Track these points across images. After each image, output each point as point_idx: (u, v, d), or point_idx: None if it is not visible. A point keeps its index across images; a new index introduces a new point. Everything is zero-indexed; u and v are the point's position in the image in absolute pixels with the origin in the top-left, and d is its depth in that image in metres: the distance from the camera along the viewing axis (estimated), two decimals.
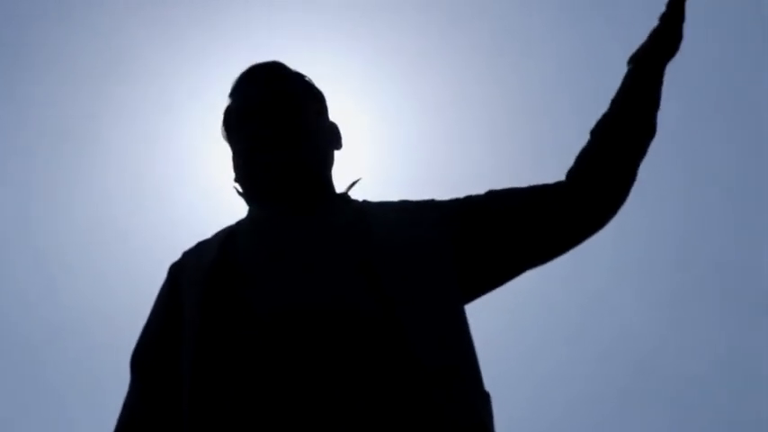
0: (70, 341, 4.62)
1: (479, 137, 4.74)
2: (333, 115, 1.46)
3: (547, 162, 4.66)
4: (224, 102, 1.42)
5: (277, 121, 1.31)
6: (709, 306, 4.70)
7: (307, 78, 1.43)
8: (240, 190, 1.36)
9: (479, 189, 1.37)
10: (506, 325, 4.37)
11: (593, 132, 1.37)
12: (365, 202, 1.34)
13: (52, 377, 4.57)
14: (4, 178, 4.74)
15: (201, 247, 1.33)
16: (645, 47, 1.37)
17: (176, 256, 1.37)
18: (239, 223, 1.33)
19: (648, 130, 1.37)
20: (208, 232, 1.38)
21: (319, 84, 1.45)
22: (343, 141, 1.43)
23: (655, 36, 1.36)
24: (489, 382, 1.17)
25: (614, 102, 1.38)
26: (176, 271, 1.33)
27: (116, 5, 4.69)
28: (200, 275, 1.21)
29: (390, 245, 1.19)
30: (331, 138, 1.40)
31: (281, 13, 4.66)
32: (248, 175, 1.32)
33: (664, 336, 4.67)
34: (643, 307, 4.73)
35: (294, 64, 1.44)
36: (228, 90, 1.41)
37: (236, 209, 1.40)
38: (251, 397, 1.06)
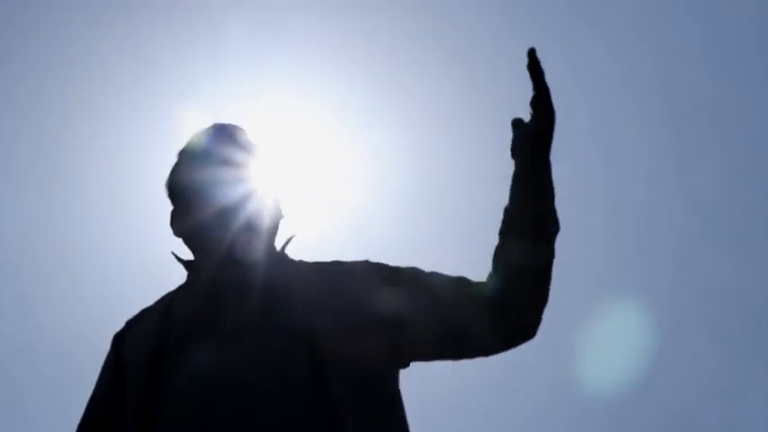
0: (43, 360, 4.55)
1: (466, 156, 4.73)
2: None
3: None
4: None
5: (243, 170, 1.35)
6: (698, 336, 4.69)
7: (259, 149, 1.44)
8: (179, 257, 1.38)
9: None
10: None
11: (501, 233, 1.29)
12: (301, 263, 1.35)
13: (24, 396, 4.50)
14: None
15: (145, 315, 1.35)
16: (520, 136, 1.27)
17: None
18: (179, 289, 1.35)
19: (549, 224, 1.27)
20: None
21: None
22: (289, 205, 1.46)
23: (531, 122, 1.26)
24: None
25: (511, 199, 1.28)
26: (120, 342, 1.34)
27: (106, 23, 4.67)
28: (143, 362, 1.21)
29: (327, 317, 1.19)
30: (278, 207, 1.41)
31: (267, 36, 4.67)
32: (198, 226, 1.33)
33: (652, 365, 4.66)
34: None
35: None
36: (185, 141, 1.43)
37: None
38: None
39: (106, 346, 1.38)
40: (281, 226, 1.39)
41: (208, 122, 1.44)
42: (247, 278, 1.26)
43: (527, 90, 1.28)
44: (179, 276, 1.39)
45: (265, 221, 1.34)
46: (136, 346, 1.26)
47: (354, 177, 4.48)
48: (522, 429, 4.58)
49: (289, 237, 1.38)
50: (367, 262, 1.33)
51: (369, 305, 1.23)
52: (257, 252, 1.30)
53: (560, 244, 1.29)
